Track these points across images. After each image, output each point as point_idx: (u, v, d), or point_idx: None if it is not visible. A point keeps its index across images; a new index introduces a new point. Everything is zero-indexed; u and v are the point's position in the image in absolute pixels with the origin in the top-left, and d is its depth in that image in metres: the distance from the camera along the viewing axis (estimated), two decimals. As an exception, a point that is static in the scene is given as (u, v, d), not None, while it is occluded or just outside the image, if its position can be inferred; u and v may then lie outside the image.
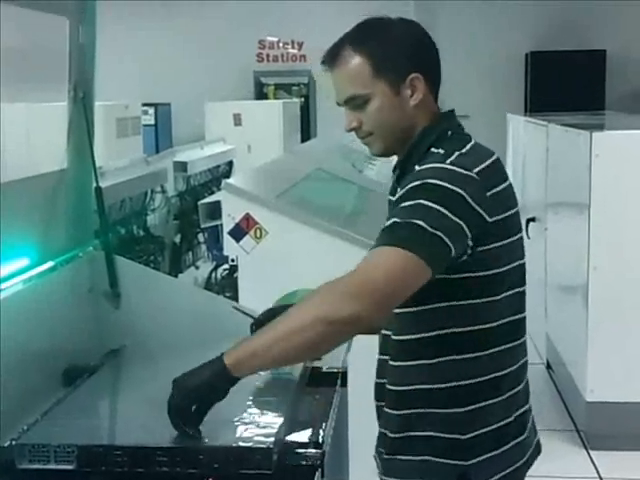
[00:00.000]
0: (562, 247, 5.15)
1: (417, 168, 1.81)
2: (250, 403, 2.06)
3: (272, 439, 1.82)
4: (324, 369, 2.31)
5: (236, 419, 1.96)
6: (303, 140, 10.24)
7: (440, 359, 1.84)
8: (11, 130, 6.58)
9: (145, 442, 1.83)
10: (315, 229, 3.96)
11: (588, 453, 4.41)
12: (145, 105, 9.52)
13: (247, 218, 3.99)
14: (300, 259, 3.82)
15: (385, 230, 1.73)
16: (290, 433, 1.94)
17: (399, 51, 1.85)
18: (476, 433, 1.84)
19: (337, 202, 4.88)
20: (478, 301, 1.82)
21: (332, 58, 1.87)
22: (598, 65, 11.19)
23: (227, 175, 6.89)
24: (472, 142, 1.88)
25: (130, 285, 2.65)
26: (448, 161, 1.78)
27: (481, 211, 1.75)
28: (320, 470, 1.87)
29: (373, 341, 3.26)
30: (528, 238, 5.32)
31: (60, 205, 2.57)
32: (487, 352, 1.85)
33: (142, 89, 10.89)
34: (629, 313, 4.41)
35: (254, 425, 1.92)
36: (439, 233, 1.69)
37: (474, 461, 1.84)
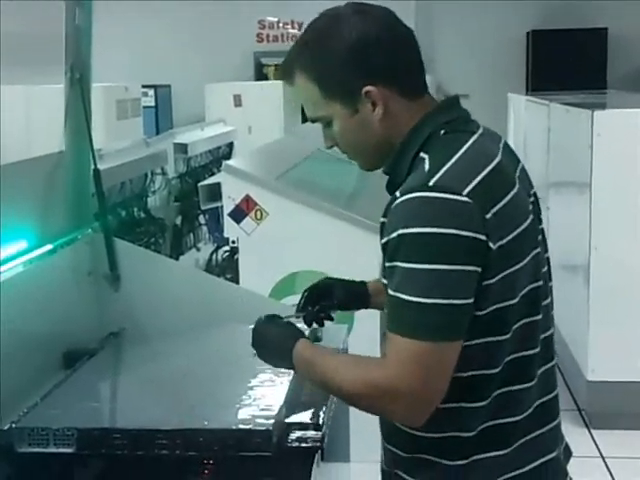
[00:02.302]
0: (563, 227, 5.14)
1: (398, 193, 1.54)
2: (250, 385, 2.06)
3: (272, 421, 1.82)
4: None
5: (236, 401, 1.96)
6: (304, 121, 10.21)
7: (443, 406, 1.54)
8: (9, 113, 6.57)
9: (145, 425, 1.83)
10: (315, 210, 3.95)
11: (590, 432, 4.42)
12: (145, 87, 9.48)
13: (247, 200, 3.99)
14: (301, 240, 3.81)
15: (391, 305, 1.52)
16: (290, 415, 1.94)
17: (343, 64, 1.59)
18: None
19: (338, 183, 4.86)
20: (482, 341, 1.54)
21: (284, 77, 1.68)
22: (600, 43, 11.13)
23: (227, 157, 6.87)
24: (470, 141, 1.59)
25: (130, 268, 2.64)
26: (432, 182, 1.49)
27: (482, 237, 1.48)
28: (320, 452, 1.86)
29: (374, 321, 3.26)
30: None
31: (59, 188, 2.56)
32: (489, 399, 1.58)
33: (142, 71, 10.83)
34: (630, 293, 4.41)
35: (254, 407, 1.92)
36: (449, 301, 1.46)
37: None
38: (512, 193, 1.56)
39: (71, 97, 2.56)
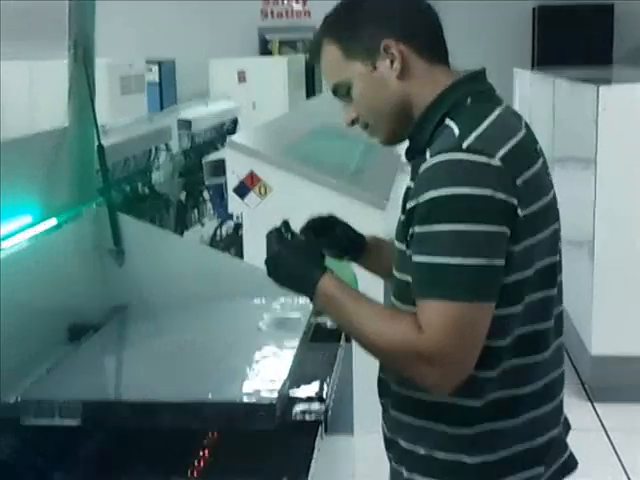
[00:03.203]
0: (568, 201, 5.12)
1: (428, 156, 1.54)
2: (254, 358, 2.07)
3: (276, 395, 1.83)
4: (328, 325, 2.31)
5: (240, 374, 1.97)
6: (308, 96, 10.19)
7: None
8: (13, 88, 6.56)
9: (149, 398, 1.84)
10: (320, 185, 3.96)
11: (593, 406, 4.43)
12: (149, 62, 9.47)
13: (251, 175, 3.99)
14: (304, 215, 3.79)
15: (423, 271, 1.50)
16: (294, 388, 1.95)
17: (365, 23, 1.63)
18: (485, 458, 1.60)
19: (342, 158, 4.86)
20: (500, 313, 1.52)
21: (311, 54, 1.72)
22: (605, 19, 11.09)
23: (232, 132, 6.86)
24: (497, 112, 1.58)
25: (134, 242, 2.65)
26: (465, 145, 1.49)
27: (513, 201, 1.48)
28: (323, 425, 1.88)
29: (379, 295, 3.27)
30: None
31: (63, 163, 2.56)
32: (499, 370, 1.58)
33: (146, 46, 10.81)
34: (634, 268, 4.41)
35: (258, 380, 1.93)
36: (483, 261, 1.46)
37: None
38: (537, 166, 1.58)
39: (75, 73, 2.56)
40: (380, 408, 1.76)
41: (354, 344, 2.33)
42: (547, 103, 5.80)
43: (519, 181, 1.50)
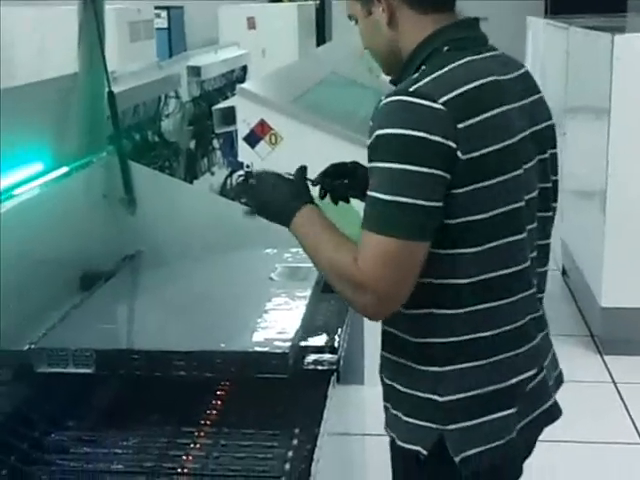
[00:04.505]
0: (580, 152, 5.09)
1: (382, 97, 1.61)
2: (266, 308, 2.07)
3: (288, 344, 1.83)
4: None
5: (252, 324, 1.97)
6: (318, 44, 10.09)
7: (418, 311, 1.64)
8: (22, 34, 6.51)
9: (162, 346, 1.84)
10: (330, 134, 3.93)
11: (602, 358, 4.44)
12: (157, 8, 9.34)
13: (262, 124, 3.96)
14: (315, 165, 3.77)
15: (367, 204, 1.57)
16: (306, 338, 1.96)
17: None
18: (455, 397, 1.65)
19: (352, 107, 4.82)
20: (452, 252, 1.59)
21: None
22: (621, -35, 10.90)
23: (241, 80, 6.80)
24: (465, 59, 1.62)
25: (145, 191, 2.64)
26: (413, 88, 1.56)
27: (450, 144, 1.52)
28: (336, 374, 1.89)
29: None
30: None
31: (73, 110, 2.55)
32: (462, 310, 1.62)
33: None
34: (646, 220, 4.38)
35: (270, 330, 1.93)
36: (414, 201, 1.51)
37: (451, 427, 1.64)
38: (498, 110, 1.60)
39: (84, 18, 2.53)
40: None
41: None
42: (561, 52, 5.73)
43: (462, 125, 1.54)
